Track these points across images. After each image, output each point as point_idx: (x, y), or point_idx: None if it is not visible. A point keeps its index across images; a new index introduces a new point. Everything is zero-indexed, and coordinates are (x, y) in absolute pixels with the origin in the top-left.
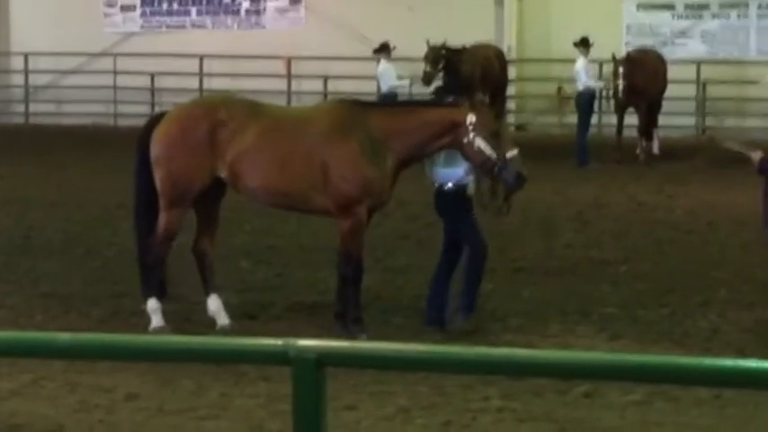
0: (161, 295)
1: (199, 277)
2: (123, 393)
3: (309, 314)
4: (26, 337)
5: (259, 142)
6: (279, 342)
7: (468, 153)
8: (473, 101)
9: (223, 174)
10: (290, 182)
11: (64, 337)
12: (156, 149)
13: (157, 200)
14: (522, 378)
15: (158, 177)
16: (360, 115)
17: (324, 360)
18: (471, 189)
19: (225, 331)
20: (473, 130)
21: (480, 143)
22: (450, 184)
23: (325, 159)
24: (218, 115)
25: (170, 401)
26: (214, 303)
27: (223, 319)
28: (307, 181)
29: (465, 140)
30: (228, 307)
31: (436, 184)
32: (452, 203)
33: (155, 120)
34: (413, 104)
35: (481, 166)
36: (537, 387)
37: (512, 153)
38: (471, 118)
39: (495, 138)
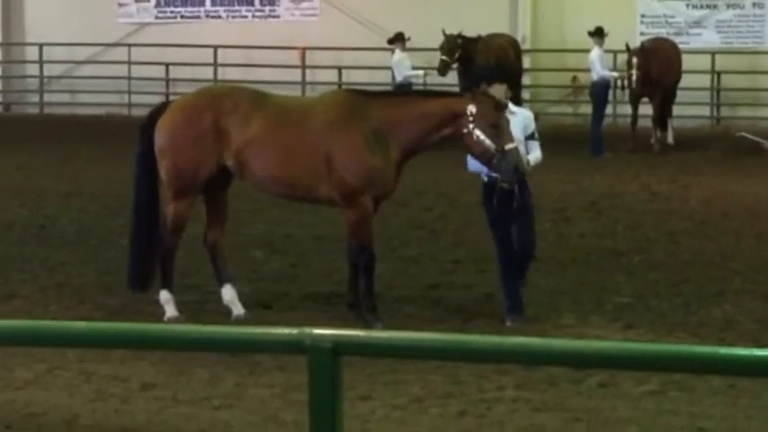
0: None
1: (212, 267)
2: (138, 383)
3: (324, 304)
4: (42, 326)
5: (264, 132)
6: (294, 331)
7: (468, 143)
8: (474, 91)
9: (229, 162)
10: (295, 172)
11: (80, 325)
12: (161, 139)
13: (157, 191)
14: (537, 368)
15: (164, 168)
16: (364, 105)
17: (339, 349)
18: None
19: (239, 321)
20: (473, 120)
21: (479, 134)
22: (483, 176)
23: (329, 149)
24: (223, 104)
25: (185, 391)
26: (228, 293)
27: (238, 309)
28: (311, 171)
29: (465, 131)
30: (243, 297)
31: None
32: (485, 195)
33: (158, 110)
34: (416, 95)
35: (480, 157)
36: (551, 377)
37: (510, 146)
38: (471, 109)
39: (494, 129)
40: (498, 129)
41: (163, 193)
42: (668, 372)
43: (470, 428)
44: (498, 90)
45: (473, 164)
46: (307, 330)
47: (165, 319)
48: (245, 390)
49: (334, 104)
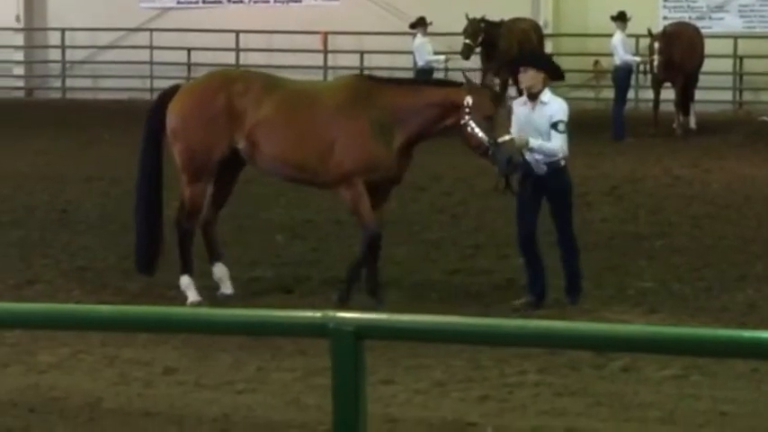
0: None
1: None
2: (161, 367)
3: None
4: (66, 309)
5: (275, 115)
6: (317, 314)
7: (465, 135)
8: (472, 83)
9: (241, 145)
10: (305, 155)
11: (103, 309)
12: (173, 122)
13: (161, 173)
14: (559, 352)
15: (177, 151)
16: (372, 91)
17: (362, 333)
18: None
19: (225, 299)
20: (469, 112)
21: (474, 126)
22: None
23: (335, 133)
24: (235, 87)
25: (207, 375)
26: (219, 271)
27: (227, 288)
28: (319, 155)
29: (462, 122)
30: (264, 281)
31: None
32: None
33: (168, 93)
34: (422, 83)
35: (476, 149)
36: (573, 361)
37: (503, 138)
38: (468, 100)
39: (488, 121)
40: (493, 121)
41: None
42: (691, 356)
43: (492, 413)
44: (533, 77)
45: None
46: (330, 314)
47: (188, 303)
48: (268, 374)
49: (342, 89)
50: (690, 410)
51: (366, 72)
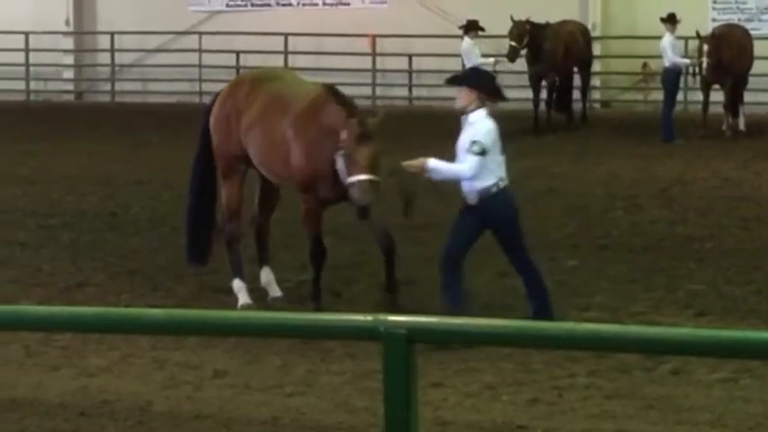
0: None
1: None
2: (211, 370)
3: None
4: (118, 313)
5: (256, 121)
6: (369, 318)
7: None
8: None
9: (248, 148)
10: (276, 162)
11: (155, 313)
12: (210, 126)
13: (212, 169)
14: (608, 355)
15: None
16: (330, 107)
17: (414, 336)
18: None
19: (276, 303)
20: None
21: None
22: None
23: (290, 144)
24: (241, 91)
25: (257, 378)
26: (265, 276)
27: (275, 291)
28: (284, 161)
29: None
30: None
31: None
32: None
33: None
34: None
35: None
36: (623, 364)
37: (354, 179)
38: (343, 134)
39: (348, 159)
40: (351, 159)
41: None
42: (741, 359)
43: (542, 416)
44: (466, 96)
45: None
46: (381, 317)
47: (239, 306)
48: (317, 377)
49: (309, 100)
50: (740, 413)
51: (414, 76)
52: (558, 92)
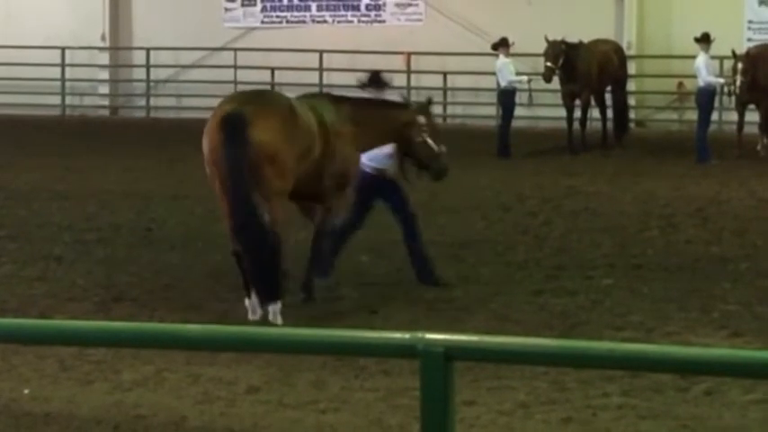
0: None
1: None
2: (244, 386)
3: (429, 308)
4: (153, 328)
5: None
6: (407, 336)
7: (420, 149)
8: (421, 103)
9: None
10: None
11: (190, 328)
12: (268, 144)
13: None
14: (643, 375)
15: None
16: (321, 108)
17: (451, 354)
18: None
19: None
20: (425, 130)
21: (430, 141)
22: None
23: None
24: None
25: (290, 395)
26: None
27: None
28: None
29: (419, 139)
30: (349, 301)
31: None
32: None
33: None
34: (366, 102)
35: (426, 160)
36: (657, 384)
37: (443, 149)
38: (421, 119)
39: (437, 136)
40: (439, 135)
41: None
42: None
43: None
44: None
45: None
46: (419, 335)
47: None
48: (351, 394)
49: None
50: None
51: (449, 93)
52: (615, 113)
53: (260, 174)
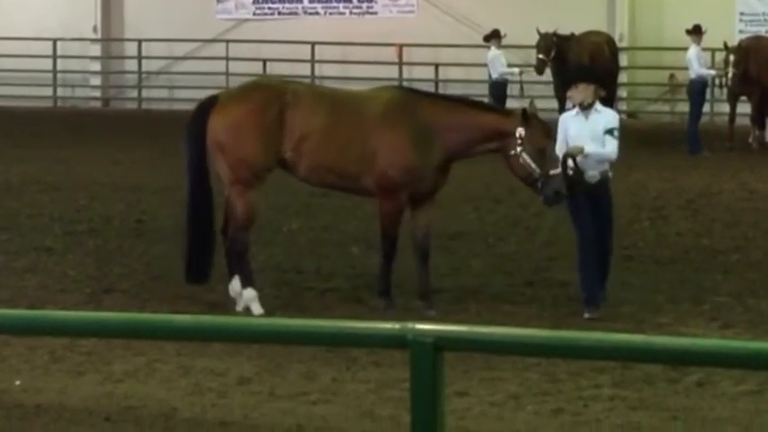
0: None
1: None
2: (235, 377)
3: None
4: (143, 319)
5: (322, 124)
6: (397, 326)
7: (513, 164)
8: (526, 114)
9: (288, 154)
10: (346, 163)
11: (181, 319)
12: (222, 135)
13: (209, 183)
14: (634, 366)
15: (228, 164)
16: (414, 104)
17: (441, 344)
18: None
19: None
20: (521, 144)
21: (526, 158)
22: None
23: (376, 143)
24: (285, 98)
25: (281, 386)
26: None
27: (241, 305)
28: (359, 163)
29: (512, 152)
30: (339, 292)
31: None
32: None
33: (207, 105)
34: (470, 104)
35: (524, 179)
36: (648, 375)
37: (555, 171)
38: (521, 131)
39: (541, 154)
40: (545, 154)
41: None
42: (766, 371)
43: (567, 426)
44: (585, 90)
45: None
46: (409, 325)
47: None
48: (342, 385)
49: (386, 100)
50: (765, 426)
51: (441, 85)
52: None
53: (214, 160)
